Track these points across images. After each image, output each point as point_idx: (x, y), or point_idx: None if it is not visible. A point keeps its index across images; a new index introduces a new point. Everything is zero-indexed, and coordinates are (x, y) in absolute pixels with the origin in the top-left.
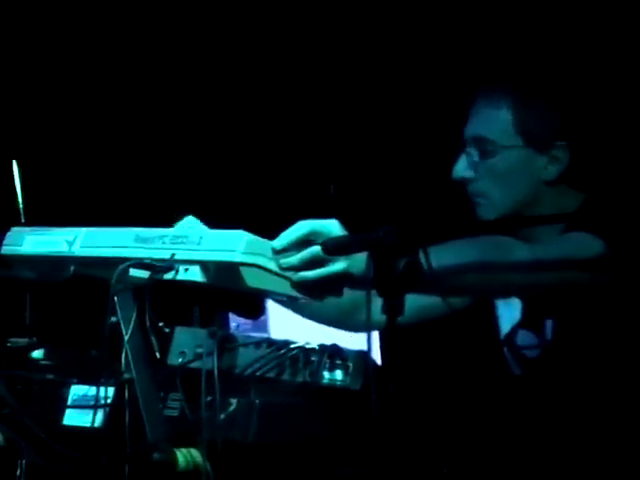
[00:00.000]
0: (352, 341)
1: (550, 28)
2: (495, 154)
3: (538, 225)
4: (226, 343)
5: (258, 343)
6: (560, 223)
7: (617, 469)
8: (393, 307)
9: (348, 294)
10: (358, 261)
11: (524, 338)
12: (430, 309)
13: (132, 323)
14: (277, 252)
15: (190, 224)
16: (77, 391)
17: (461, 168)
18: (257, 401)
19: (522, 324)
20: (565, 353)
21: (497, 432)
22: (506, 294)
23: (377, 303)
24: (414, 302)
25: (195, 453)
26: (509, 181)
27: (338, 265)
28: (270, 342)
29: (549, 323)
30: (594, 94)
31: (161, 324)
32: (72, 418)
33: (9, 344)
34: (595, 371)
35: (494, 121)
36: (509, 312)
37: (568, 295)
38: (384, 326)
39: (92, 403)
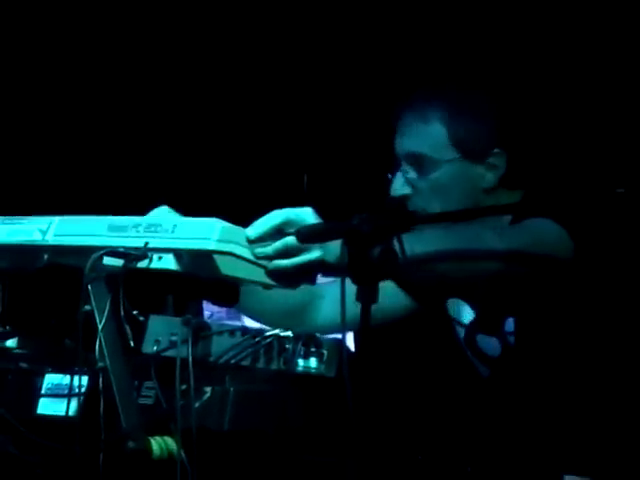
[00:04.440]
0: None
1: (473, 34)
2: (432, 170)
3: (492, 215)
4: (200, 331)
5: (232, 331)
6: (513, 213)
7: (589, 461)
8: (367, 295)
9: (295, 296)
10: (332, 249)
11: (484, 338)
12: (387, 311)
13: (106, 312)
14: (251, 241)
15: (162, 213)
16: (51, 380)
17: (399, 186)
18: (232, 389)
19: (478, 327)
20: (529, 348)
21: (471, 420)
22: (478, 281)
23: (332, 307)
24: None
25: (170, 441)
26: (448, 194)
27: (313, 253)
28: (244, 330)
29: (509, 321)
30: (523, 96)
31: (135, 312)
32: (46, 407)
33: None
34: (561, 364)
35: (427, 136)
36: (461, 316)
37: (530, 286)
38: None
39: (66, 392)
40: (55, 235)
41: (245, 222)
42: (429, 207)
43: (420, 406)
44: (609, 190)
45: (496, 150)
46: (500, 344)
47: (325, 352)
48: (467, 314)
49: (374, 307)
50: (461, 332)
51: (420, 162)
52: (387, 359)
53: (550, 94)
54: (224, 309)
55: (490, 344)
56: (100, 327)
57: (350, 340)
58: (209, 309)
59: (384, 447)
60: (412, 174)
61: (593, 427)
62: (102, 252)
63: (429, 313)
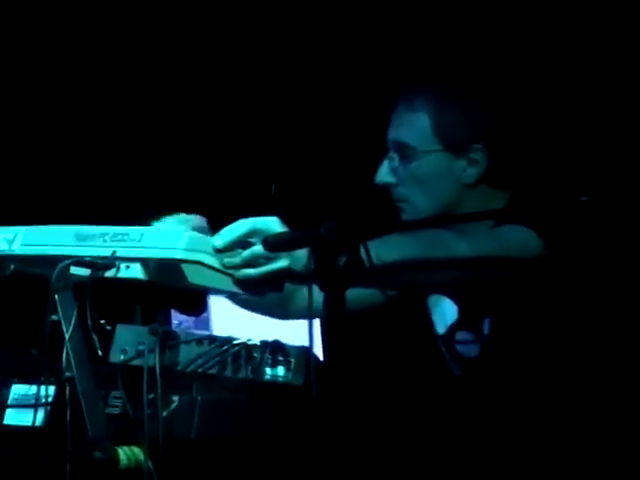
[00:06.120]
0: (294, 337)
1: (466, 31)
2: (415, 159)
3: (471, 221)
4: (168, 340)
5: (200, 340)
6: (491, 219)
7: (559, 468)
8: (334, 302)
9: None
10: (300, 257)
11: (462, 338)
12: (365, 298)
13: (73, 321)
14: (218, 251)
15: (180, 221)
16: (17, 390)
17: (383, 173)
18: (199, 398)
19: (459, 325)
20: (503, 351)
21: (439, 428)
22: (446, 288)
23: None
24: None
25: (137, 451)
26: (430, 186)
27: (280, 262)
28: (212, 339)
29: (487, 322)
30: (510, 96)
31: (102, 322)
32: (13, 417)
33: None
34: (534, 369)
35: (413, 125)
36: (442, 314)
37: (505, 290)
38: (322, 316)
39: (33, 402)
40: (22, 245)
41: (212, 230)
42: (412, 198)
43: (389, 408)
44: (574, 198)
45: (477, 145)
46: (477, 345)
47: (293, 360)
48: (450, 314)
49: (355, 293)
50: (440, 329)
51: (403, 150)
52: (357, 361)
53: (537, 95)
54: (192, 318)
55: (468, 346)
56: (67, 337)
57: (318, 348)
58: (177, 317)
59: (353, 455)
60: (396, 162)
61: (564, 435)
62: (69, 261)
63: (408, 305)
